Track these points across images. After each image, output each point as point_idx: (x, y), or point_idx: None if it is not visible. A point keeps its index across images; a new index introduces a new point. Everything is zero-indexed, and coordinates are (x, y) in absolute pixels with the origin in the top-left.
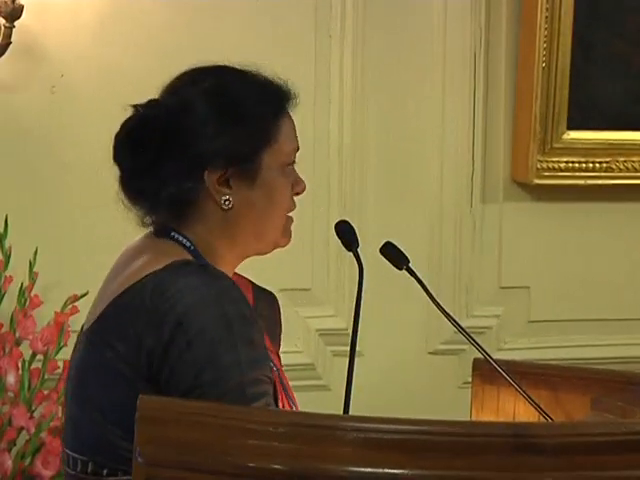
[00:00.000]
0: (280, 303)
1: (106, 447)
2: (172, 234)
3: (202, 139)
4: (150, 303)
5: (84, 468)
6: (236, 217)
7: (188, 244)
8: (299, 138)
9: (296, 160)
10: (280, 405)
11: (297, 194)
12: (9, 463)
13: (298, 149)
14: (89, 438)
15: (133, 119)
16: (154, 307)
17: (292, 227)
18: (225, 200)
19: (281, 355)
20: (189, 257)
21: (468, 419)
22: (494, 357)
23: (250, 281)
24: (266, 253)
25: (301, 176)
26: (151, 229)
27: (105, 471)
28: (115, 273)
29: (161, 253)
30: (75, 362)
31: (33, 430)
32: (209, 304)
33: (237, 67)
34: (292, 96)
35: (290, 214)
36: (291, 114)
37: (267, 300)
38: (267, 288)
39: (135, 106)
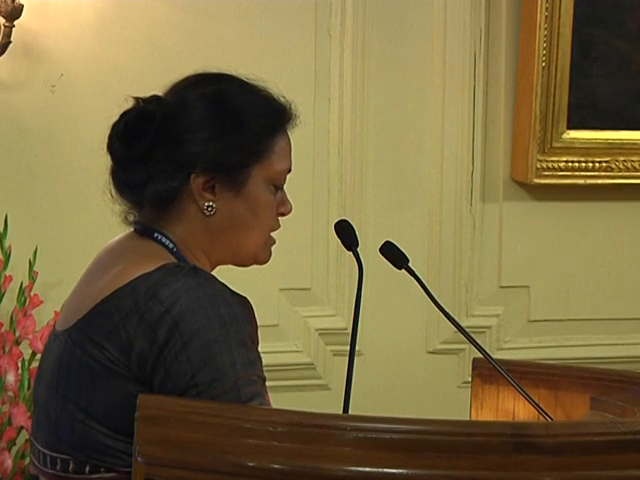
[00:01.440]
0: (280, 303)
1: (89, 445)
2: (155, 235)
3: (194, 141)
4: (144, 305)
5: (64, 466)
6: (217, 225)
7: (171, 246)
8: (299, 138)
9: (286, 181)
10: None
11: (282, 215)
12: (9, 462)
13: (290, 171)
14: (70, 436)
15: (132, 111)
16: (148, 308)
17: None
18: (208, 206)
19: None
20: (174, 259)
21: (468, 419)
22: (494, 357)
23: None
24: (244, 266)
25: (289, 198)
26: (132, 228)
27: (87, 468)
28: (96, 273)
29: (148, 254)
30: (52, 360)
31: None
32: (204, 306)
33: (243, 78)
34: (293, 117)
35: (272, 234)
36: (289, 135)
37: (240, 301)
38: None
39: (137, 99)
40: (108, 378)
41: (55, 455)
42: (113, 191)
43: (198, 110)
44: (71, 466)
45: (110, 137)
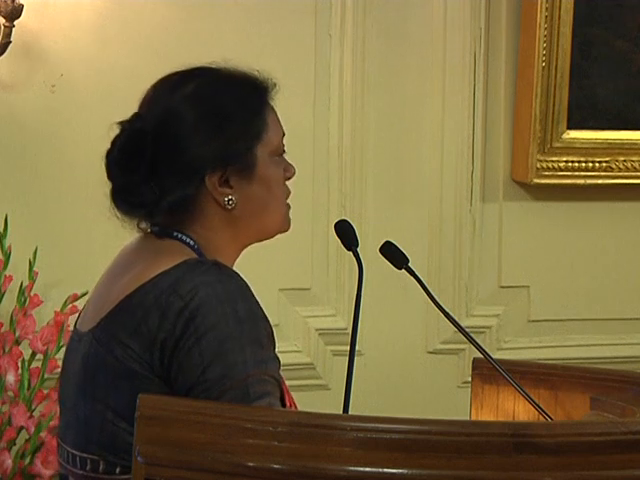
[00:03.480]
0: (280, 303)
1: (119, 445)
2: (175, 234)
3: (195, 145)
4: (164, 300)
5: (95, 467)
6: (240, 214)
7: (192, 243)
8: (298, 136)
9: (284, 147)
10: (287, 405)
11: (288, 179)
12: (9, 462)
13: (284, 134)
14: (100, 437)
15: (122, 135)
16: (169, 304)
17: (292, 222)
18: (228, 200)
19: (278, 354)
20: (195, 255)
21: (468, 418)
22: (494, 357)
23: None
24: (270, 238)
25: (292, 162)
26: (149, 230)
27: (118, 469)
28: (118, 272)
29: (168, 252)
30: (79, 362)
31: (33, 429)
32: (222, 301)
33: (212, 67)
34: (271, 86)
35: (288, 201)
36: (272, 103)
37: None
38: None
39: (121, 123)
40: (132, 379)
41: (85, 456)
42: (120, 214)
43: (187, 113)
44: (101, 466)
45: (107, 166)
